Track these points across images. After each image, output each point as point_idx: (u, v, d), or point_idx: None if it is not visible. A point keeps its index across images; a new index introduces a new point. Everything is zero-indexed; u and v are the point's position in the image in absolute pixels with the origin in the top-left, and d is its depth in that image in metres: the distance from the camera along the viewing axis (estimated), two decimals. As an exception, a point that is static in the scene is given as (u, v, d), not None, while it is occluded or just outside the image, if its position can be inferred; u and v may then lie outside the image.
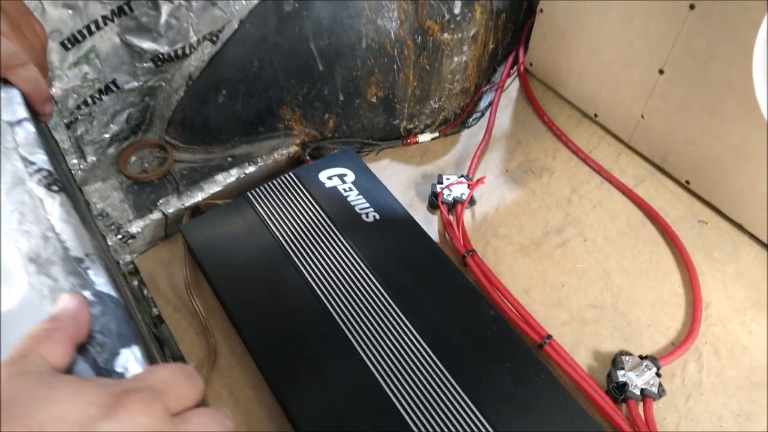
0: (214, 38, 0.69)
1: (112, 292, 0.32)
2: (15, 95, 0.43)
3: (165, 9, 0.67)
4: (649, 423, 0.54)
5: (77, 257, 0.33)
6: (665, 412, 0.56)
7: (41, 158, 0.39)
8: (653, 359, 0.58)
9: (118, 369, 0.29)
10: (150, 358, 0.30)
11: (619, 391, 0.56)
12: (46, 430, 0.23)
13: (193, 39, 0.69)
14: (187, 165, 0.75)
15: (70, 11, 0.63)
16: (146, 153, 0.76)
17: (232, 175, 0.73)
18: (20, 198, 0.36)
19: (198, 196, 0.71)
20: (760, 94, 0.48)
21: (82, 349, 0.30)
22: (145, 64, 0.70)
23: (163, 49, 0.69)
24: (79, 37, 0.65)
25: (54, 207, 0.36)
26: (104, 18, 0.65)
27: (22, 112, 0.42)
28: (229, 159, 0.75)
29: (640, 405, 0.55)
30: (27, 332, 0.28)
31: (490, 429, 0.50)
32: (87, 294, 0.32)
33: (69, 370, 0.28)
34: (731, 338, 0.61)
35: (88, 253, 0.34)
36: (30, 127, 0.41)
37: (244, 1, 0.68)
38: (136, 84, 0.71)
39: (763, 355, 0.60)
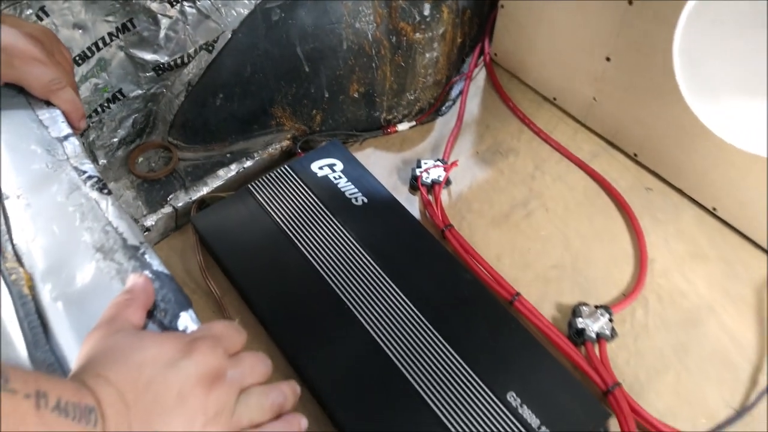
0: (210, 47, 0.77)
1: (166, 271, 0.41)
2: (57, 114, 0.51)
3: (164, 23, 0.75)
4: (603, 361, 0.64)
5: (134, 245, 0.42)
6: (617, 351, 0.67)
7: (90, 167, 0.47)
8: (606, 308, 0.68)
9: (180, 328, 0.38)
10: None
11: (578, 336, 0.66)
12: (144, 368, 0.32)
13: (191, 49, 0.77)
14: (190, 162, 0.83)
15: (80, 31, 0.70)
16: (152, 153, 0.84)
17: (232, 170, 0.81)
18: (78, 201, 0.45)
19: (203, 190, 0.79)
20: (679, 76, 0.58)
21: (149, 314, 0.38)
22: (147, 74, 0.78)
23: (164, 59, 0.77)
24: (89, 53, 0.72)
25: (108, 206, 0.44)
26: (110, 35, 0.73)
27: (66, 129, 0.50)
28: (228, 155, 0.83)
29: (596, 346, 0.66)
30: (111, 302, 0.37)
31: (472, 373, 0.59)
32: (147, 273, 0.40)
33: (143, 329, 0.37)
34: (672, 287, 0.72)
35: (141, 242, 0.42)
36: (75, 141, 0.49)
37: (235, 13, 0.76)
38: (140, 92, 0.79)
39: (698, 298, 0.71)
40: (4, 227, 0.43)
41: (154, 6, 0.72)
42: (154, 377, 0.32)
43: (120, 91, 0.77)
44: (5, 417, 0.25)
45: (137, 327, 0.36)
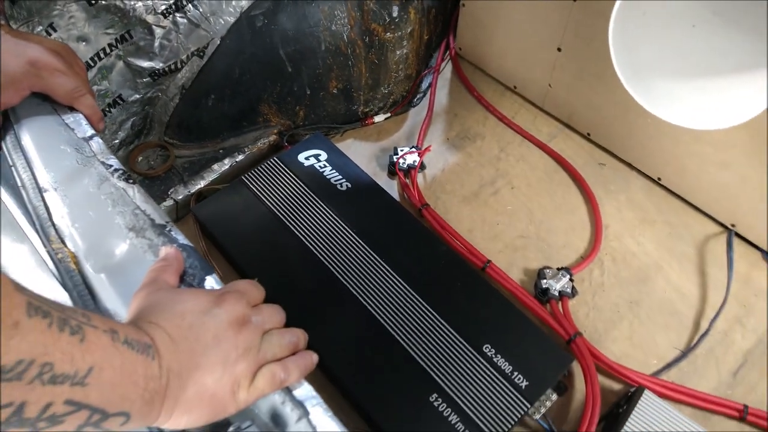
0: (201, 53, 0.85)
1: (190, 243, 0.49)
2: (80, 118, 0.58)
3: (158, 33, 0.82)
4: (566, 315, 0.74)
5: (161, 224, 0.50)
6: (578, 306, 0.76)
7: (114, 161, 0.55)
8: (567, 270, 0.77)
9: (207, 287, 0.46)
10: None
11: (543, 295, 0.75)
12: (185, 316, 0.40)
13: (184, 55, 0.84)
14: (186, 159, 0.90)
15: (84, 43, 0.77)
16: (150, 153, 0.91)
17: (225, 164, 0.88)
18: (108, 190, 0.52)
19: (200, 184, 0.86)
20: (615, 62, 0.67)
21: (181, 279, 0.46)
22: (144, 79, 0.85)
23: (159, 65, 0.84)
24: (92, 63, 0.79)
25: (135, 193, 0.52)
26: (110, 45, 0.80)
27: (90, 130, 0.57)
28: (221, 151, 0.91)
29: (559, 303, 0.75)
30: (150, 268, 0.45)
31: (452, 331, 0.67)
32: (175, 245, 0.48)
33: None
34: (624, 249, 0.81)
35: (167, 221, 0.50)
36: (99, 140, 0.56)
37: (223, 21, 0.83)
38: (137, 96, 0.86)
39: (647, 257, 0.80)
40: (46, 215, 0.51)
41: (149, 18, 0.79)
42: (194, 322, 0.40)
43: (120, 96, 0.84)
44: (91, 344, 0.33)
45: (174, 287, 0.44)
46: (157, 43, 0.82)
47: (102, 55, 0.79)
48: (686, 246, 0.82)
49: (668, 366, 0.71)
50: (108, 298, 0.46)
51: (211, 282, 0.46)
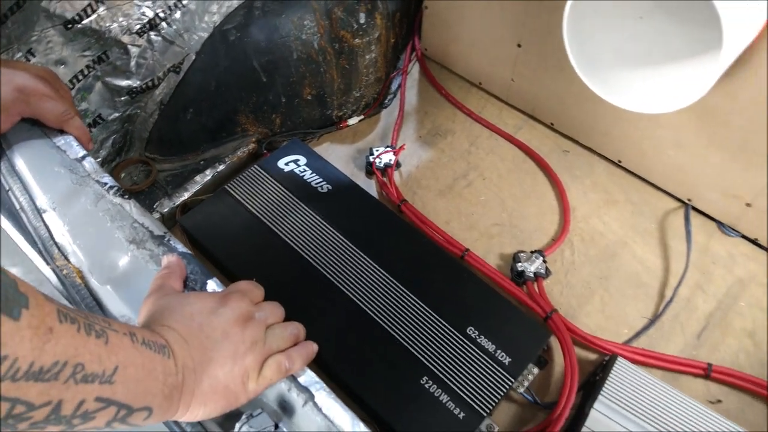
0: (177, 69, 0.87)
1: (189, 251, 0.52)
2: (71, 140, 0.61)
3: (134, 52, 0.84)
4: (541, 294, 0.78)
5: (160, 235, 0.53)
6: (552, 285, 0.81)
7: (109, 179, 0.58)
8: (540, 252, 0.82)
9: (209, 291, 0.50)
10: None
11: (519, 277, 0.80)
12: (194, 317, 0.44)
13: (160, 72, 0.87)
14: (169, 173, 0.93)
15: (62, 66, 0.80)
16: (132, 169, 0.93)
17: (207, 175, 0.91)
18: (105, 207, 0.55)
19: (184, 195, 0.89)
20: (570, 55, 0.71)
21: (184, 284, 0.50)
22: (122, 98, 0.87)
23: (136, 83, 0.87)
24: (71, 85, 0.81)
25: (131, 208, 0.55)
26: (88, 67, 0.82)
27: (81, 151, 0.60)
28: (202, 162, 0.94)
29: (535, 284, 0.80)
30: (155, 276, 0.48)
31: (437, 316, 0.71)
32: (176, 254, 0.51)
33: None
34: (591, 229, 0.87)
35: (165, 232, 0.53)
36: (92, 160, 0.59)
37: (196, 37, 0.86)
38: (117, 114, 0.88)
39: (613, 235, 0.86)
40: (47, 234, 0.54)
41: (125, 38, 0.82)
42: (203, 322, 0.43)
43: (99, 115, 0.87)
44: (114, 346, 0.36)
45: (179, 292, 0.47)
46: (133, 62, 0.85)
47: (80, 77, 0.82)
48: (648, 222, 0.87)
49: (638, 334, 0.77)
50: (116, 307, 0.49)
51: (213, 285, 0.50)
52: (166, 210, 0.87)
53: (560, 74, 0.89)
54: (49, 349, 0.32)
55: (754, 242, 0.83)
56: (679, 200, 0.88)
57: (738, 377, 0.71)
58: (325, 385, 0.45)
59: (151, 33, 0.84)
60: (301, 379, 0.45)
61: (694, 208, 0.87)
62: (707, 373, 0.72)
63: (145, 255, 0.52)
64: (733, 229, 0.84)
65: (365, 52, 0.96)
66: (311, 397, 0.44)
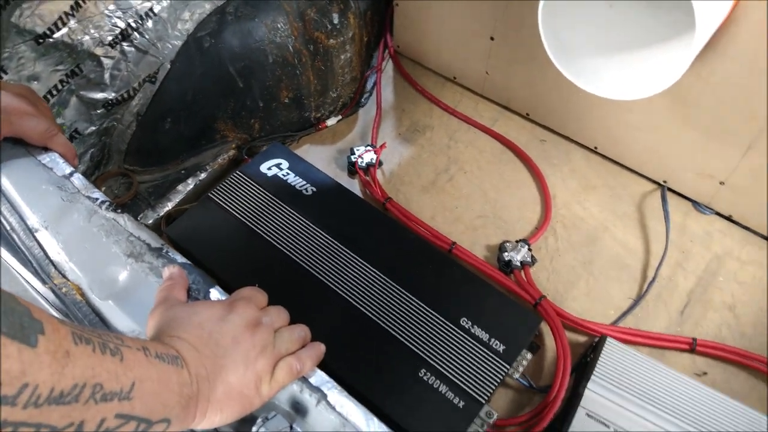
0: (153, 79, 0.87)
1: (188, 261, 0.52)
2: (56, 157, 0.60)
3: (108, 64, 0.84)
4: (529, 281, 0.80)
5: (157, 247, 0.53)
6: (539, 272, 0.83)
7: (99, 194, 0.57)
8: (525, 241, 0.84)
9: (213, 299, 0.50)
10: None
11: (507, 267, 0.82)
12: (203, 325, 0.44)
13: (135, 83, 0.86)
14: (150, 184, 0.92)
15: (35, 82, 0.78)
16: (112, 182, 0.92)
17: (189, 184, 0.91)
18: (99, 222, 0.55)
19: (168, 206, 0.88)
20: (546, 45, 0.73)
21: (187, 294, 0.50)
22: (98, 111, 0.86)
23: (111, 96, 0.86)
24: (45, 100, 0.80)
25: (125, 222, 0.55)
26: (61, 81, 0.81)
27: (68, 168, 0.59)
28: (183, 171, 0.93)
29: (522, 272, 0.82)
30: (159, 288, 0.48)
31: (430, 309, 0.72)
32: (177, 265, 0.51)
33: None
34: (573, 215, 0.89)
35: (163, 244, 0.53)
36: (80, 176, 0.59)
37: (170, 46, 0.86)
38: (93, 128, 0.87)
39: (594, 220, 0.88)
40: (41, 254, 0.53)
41: (98, 50, 0.81)
42: (213, 330, 0.44)
43: (76, 130, 0.86)
44: (129, 362, 0.36)
45: (184, 302, 0.48)
46: (107, 74, 0.84)
47: (54, 92, 0.81)
48: (626, 205, 0.90)
49: (624, 314, 0.79)
50: (119, 321, 0.49)
51: (216, 294, 0.50)
52: (150, 221, 0.86)
53: (534, 65, 0.91)
54: (68, 373, 0.32)
55: (729, 219, 0.87)
56: (655, 182, 0.91)
57: (722, 349, 0.74)
58: (336, 384, 0.46)
59: (124, 44, 0.83)
60: (312, 380, 0.46)
61: (670, 189, 0.89)
62: (692, 347, 0.74)
63: (144, 268, 0.52)
64: (708, 208, 0.88)
65: (340, 52, 0.96)
66: (324, 396, 0.45)
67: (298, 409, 0.45)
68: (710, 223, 0.87)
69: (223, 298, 0.50)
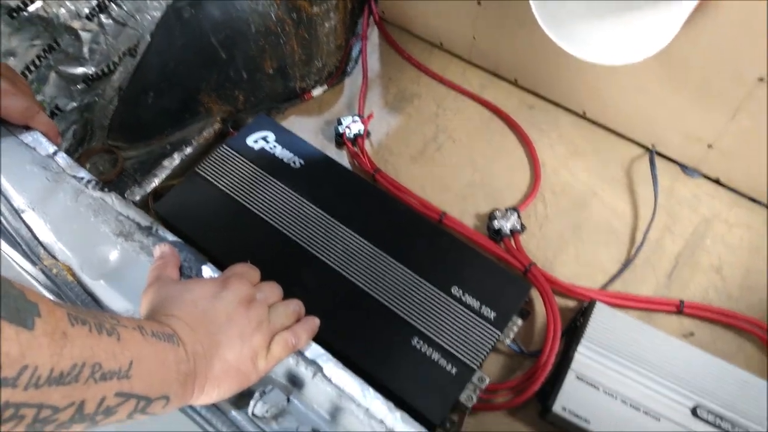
0: (133, 52, 0.85)
1: (179, 239, 0.52)
2: (38, 136, 0.59)
3: (86, 38, 0.81)
4: (519, 249, 0.81)
5: (147, 225, 0.53)
6: (528, 239, 0.83)
7: (85, 173, 0.56)
8: (514, 208, 0.84)
9: (206, 276, 0.50)
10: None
11: (496, 235, 0.82)
12: (197, 303, 0.44)
13: (115, 57, 0.84)
14: (135, 160, 0.91)
15: (12, 58, 0.76)
16: (97, 159, 0.91)
17: (175, 159, 0.90)
18: (86, 202, 0.54)
19: (154, 182, 0.87)
20: (534, 10, 0.72)
21: (180, 271, 0.50)
22: (78, 86, 0.84)
23: (91, 70, 0.84)
24: (23, 77, 0.78)
25: (113, 200, 0.54)
26: (39, 57, 0.79)
27: (52, 147, 0.58)
28: (168, 146, 0.92)
29: (512, 239, 0.82)
30: (151, 267, 0.48)
31: (421, 279, 0.72)
32: (168, 243, 0.51)
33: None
34: (561, 181, 0.89)
35: (152, 222, 0.53)
36: (64, 155, 0.58)
37: (149, 17, 0.84)
38: (74, 104, 0.85)
39: (582, 185, 0.88)
40: (30, 235, 0.52)
41: (75, 23, 0.79)
42: (207, 307, 0.44)
43: (56, 106, 0.84)
44: (126, 341, 0.36)
45: (177, 280, 0.47)
46: (86, 48, 0.82)
47: (32, 68, 0.79)
48: (615, 170, 0.90)
49: (613, 278, 0.80)
50: (112, 301, 0.49)
51: (208, 271, 0.50)
52: (137, 198, 0.86)
53: (522, 30, 0.90)
54: (67, 353, 0.32)
55: (716, 182, 0.87)
56: (643, 146, 0.91)
57: (708, 310, 0.75)
58: (331, 356, 0.46)
59: (102, 16, 0.81)
60: (308, 353, 0.46)
61: (658, 153, 0.90)
62: (680, 309, 0.76)
63: (135, 247, 0.51)
64: (696, 171, 0.88)
65: (324, 20, 0.94)
66: (319, 369, 0.45)
67: (295, 382, 0.46)
68: (698, 186, 0.88)
69: (216, 275, 0.50)
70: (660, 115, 0.85)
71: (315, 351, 0.47)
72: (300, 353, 0.46)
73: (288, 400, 0.44)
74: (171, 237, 0.52)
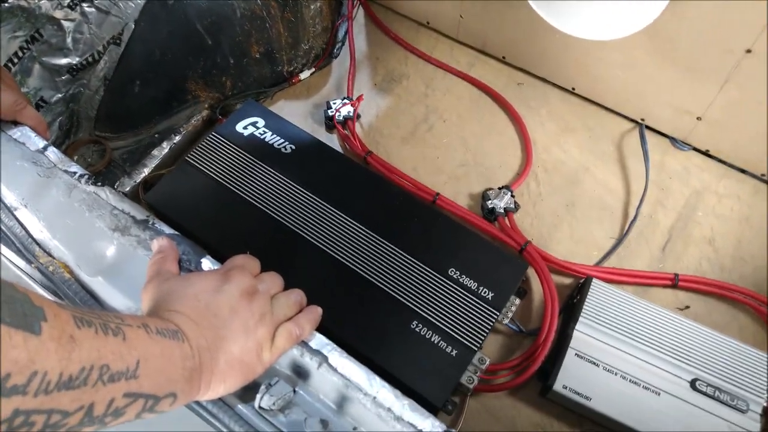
0: (118, 41, 0.83)
1: (176, 232, 0.52)
2: (27, 130, 0.58)
3: (68, 27, 0.80)
4: (513, 228, 0.81)
5: (143, 219, 0.52)
6: (522, 218, 0.84)
7: (77, 167, 0.55)
8: (507, 187, 0.84)
9: (205, 269, 0.49)
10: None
11: (491, 214, 0.82)
12: (199, 297, 0.44)
13: (99, 46, 0.83)
14: (123, 150, 0.90)
15: (-7, 50, 0.75)
16: (84, 150, 0.89)
17: (164, 148, 0.89)
18: (80, 197, 0.54)
19: (144, 172, 0.87)
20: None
21: (179, 265, 0.49)
22: (63, 77, 0.83)
23: (75, 60, 0.82)
24: (7, 70, 0.76)
25: (107, 195, 0.54)
26: (22, 48, 0.77)
27: (41, 141, 0.57)
28: (156, 135, 0.91)
29: (506, 219, 0.82)
30: (150, 262, 0.47)
31: (418, 262, 0.72)
32: (165, 236, 0.51)
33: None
34: (553, 158, 0.89)
35: (148, 215, 0.52)
36: (55, 149, 0.56)
37: (133, 5, 0.82)
38: (59, 96, 0.84)
39: (574, 162, 0.89)
40: (23, 233, 0.52)
41: (57, 13, 0.77)
42: (209, 301, 0.44)
43: (41, 98, 0.82)
44: (132, 341, 0.36)
45: (177, 274, 0.47)
46: (69, 38, 0.80)
47: (15, 60, 0.77)
48: (605, 145, 0.90)
49: (608, 254, 0.81)
50: (111, 297, 0.49)
51: (208, 263, 0.50)
52: (127, 189, 0.85)
53: (509, 6, 0.89)
54: (75, 357, 0.32)
55: (706, 153, 0.88)
56: (632, 121, 0.91)
57: (703, 283, 0.76)
58: (336, 346, 0.46)
59: (84, 5, 0.79)
60: (312, 344, 0.46)
61: (648, 127, 0.90)
62: (675, 282, 0.77)
63: (132, 241, 0.51)
64: (685, 143, 0.89)
65: (310, 2, 0.93)
66: (324, 359, 0.45)
67: (300, 373, 0.46)
68: (688, 159, 0.88)
69: (216, 267, 0.50)
70: (649, 89, 0.85)
71: (319, 341, 0.47)
72: (304, 344, 0.46)
73: (294, 391, 0.45)
74: (168, 230, 0.51)
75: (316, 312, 0.49)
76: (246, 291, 0.45)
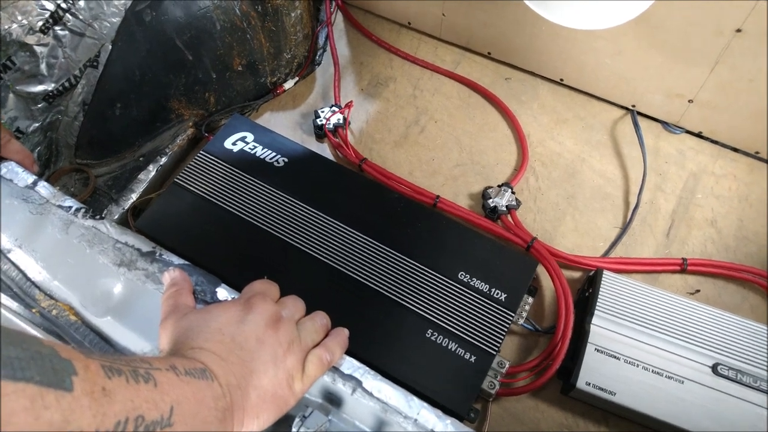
0: (95, 63, 0.80)
1: (186, 262, 0.49)
2: (13, 166, 0.54)
3: (42, 53, 0.76)
4: (517, 225, 0.80)
5: (149, 251, 0.49)
6: (525, 215, 0.83)
7: (72, 201, 0.52)
8: (507, 184, 0.83)
9: (221, 299, 0.47)
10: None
11: (493, 213, 0.81)
12: (223, 330, 0.41)
13: (75, 70, 0.79)
14: (108, 176, 0.86)
15: (-36, 83, 0.71)
16: (66, 179, 0.86)
17: (150, 171, 0.86)
18: (78, 232, 0.51)
19: (132, 198, 0.83)
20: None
21: (194, 296, 0.47)
22: (39, 105, 0.79)
23: (51, 87, 0.79)
24: (-20, 102, 0.73)
25: (108, 228, 0.51)
26: (-7, 78, 0.73)
27: (30, 176, 0.54)
28: (141, 158, 0.87)
29: (509, 216, 0.81)
30: (164, 297, 0.45)
31: (425, 268, 0.71)
32: (175, 268, 0.48)
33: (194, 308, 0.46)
34: (549, 151, 0.88)
35: (154, 247, 0.50)
36: (45, 184, 0.53)
37: (108, 24, 0.78)
38: (36, 124, 0.80)
39: (570, 154, 0.88)
40: (20, 276, 0.49)
41: (29, 39, 0.74)
42: (234, 334, 0.41)
43: (17, 129, 0.78)
44: (163, 386, 0.34)
45: (194, 308, 0.45)
46: (43, 64, 0.77)
47: (-12, 91, 0.73)
48: (599, 134, 0.90)
49: (613, 244, 0.80)
50: (123, 338, 0.46)
51: (224, 292, 0.47)
52: (116, 217, 0.81)
53: (492, 1, 0.88)
54: (110, 411, 0.30)
55: (699, 135, 0.88)
56: (624, 108, 0.91)
57: (711, 265, 0.76)
58: (368, 368, 0.45)
59: (57, 28, 0.76)
60: (344, 368, 0.44)
61: (640, 113, 0.90)
62: (683, 267, 0.76)
63: (139, 276, 0.48)
64: (678, 127, 0.89)
65: (290, 10, 0.91)
66: (358, 383, 0.43)
67: (333, 400, 0.44)
68: (682, 142, 0.88)
69: (232, 296, 0.47)
70: (639, 75, 0.85)
71: (351, 364, 0.45)
72: (335, 369, 0.44)
73: (330, 421, 0.42)
74: (177, 260, 0.49)
75: (344, 334, 0.47)
76: (270, 319, 0.43)
